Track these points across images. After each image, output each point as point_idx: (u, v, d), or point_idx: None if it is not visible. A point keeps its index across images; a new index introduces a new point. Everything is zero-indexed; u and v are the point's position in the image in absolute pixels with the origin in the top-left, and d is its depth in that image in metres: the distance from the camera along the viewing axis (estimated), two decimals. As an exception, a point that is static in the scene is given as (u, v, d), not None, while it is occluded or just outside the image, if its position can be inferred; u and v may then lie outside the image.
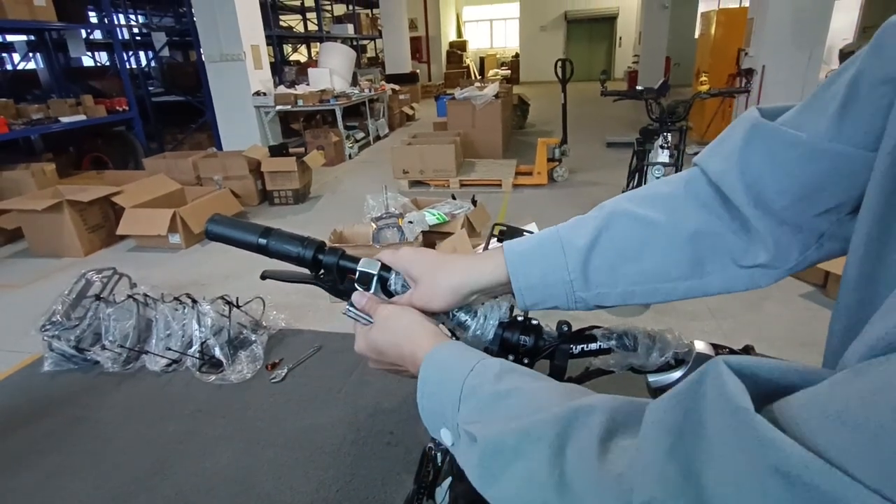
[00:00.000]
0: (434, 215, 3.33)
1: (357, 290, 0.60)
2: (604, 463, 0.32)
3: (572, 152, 5.86)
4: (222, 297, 2.56)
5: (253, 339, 2.57)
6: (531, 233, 1.80)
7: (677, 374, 0.61)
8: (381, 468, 1.87)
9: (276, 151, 5.35)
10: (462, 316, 0.60)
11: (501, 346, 0.61)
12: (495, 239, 1.66)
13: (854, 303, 0.37)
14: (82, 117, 5.50)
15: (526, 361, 0.62)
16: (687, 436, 0.27)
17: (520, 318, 0.62)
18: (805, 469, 0.21)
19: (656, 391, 0.62)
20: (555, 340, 0.62)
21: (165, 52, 8.29)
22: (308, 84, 7.49)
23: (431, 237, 3.34)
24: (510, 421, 0.39)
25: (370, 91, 8.47)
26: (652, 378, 0.62)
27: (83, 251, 4.03)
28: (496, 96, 6.38)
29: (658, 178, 2.83)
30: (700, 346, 0.61)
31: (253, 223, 0.63)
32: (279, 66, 9.62)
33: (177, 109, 8.04)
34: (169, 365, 2.47)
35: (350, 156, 7.35)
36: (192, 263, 3.80)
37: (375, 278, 0.60)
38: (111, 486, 1.86)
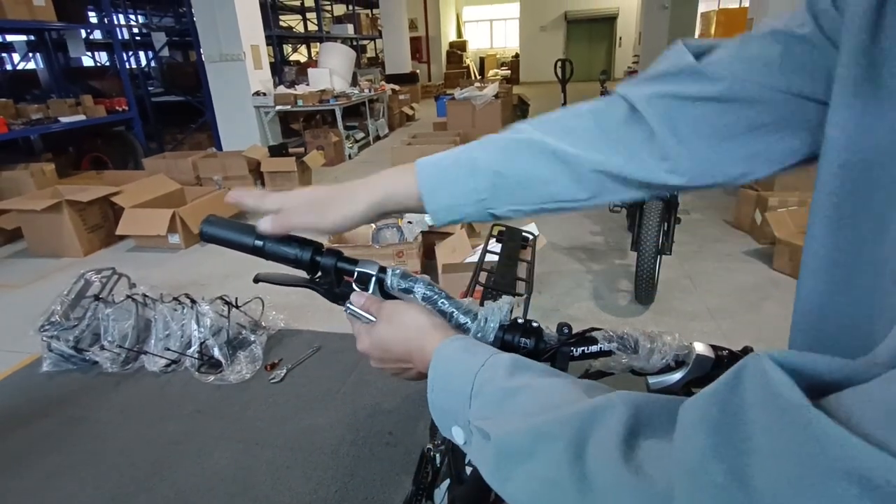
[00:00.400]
0: (434, 215, 3.32)
1: (354, 291, 0.60)
2: (630, 463, 0.31)
3: (572, 152, 5.86)
4: (221, 298, 2.56)
5: (252, 339, 2.57)
6: (531, 233, 1.77)
7: (677, 375, 0.61)
8: (379, 469, 1.86)
9: (276, 151, 5.35)
10: (462, 318, 0.59)
11: (501, 349, 0.61)
12: (494, 239, 1.66)
13: (824, 286, 0.39)
14: (82, 117, 5.50)
15: (525, 363, 0.62)
16: (730, 435, 0.26)
17: (520, 321, 0.62)
18: (891, 474, 0.19)
19: (656, 392, 0.62)
20: (555, 343, 0.62)
21: (165, 53, 8.29)
22: (308, 84, 7.49)
23: (431, 238, 3.34)
24: (524, 418, 0.38)
25: (370, 91, 8.47)
26: (652, 380, 0.61)
27: (82, 251, 4.02)
28: (496, 96, 6.39)
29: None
30: (700, 347, 0.60)
31: (248, 224, 0.63)
32: (279, 66, 9.62)
33: (177, 109, 8.04)
34: (168, 365, 2.47)
35: (350, 156, 7.35)
36: (192, 263, 3.80)
37: (374, 279, 0.60)
38: (110, 487, 1.86)
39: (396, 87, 10.28)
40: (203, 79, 6.65)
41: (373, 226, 3.31)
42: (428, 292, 0.59)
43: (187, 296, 2.57)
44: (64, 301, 2.60)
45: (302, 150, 5.95)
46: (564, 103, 5.68)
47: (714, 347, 0.61)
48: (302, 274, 0.64)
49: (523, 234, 1.61)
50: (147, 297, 2.60)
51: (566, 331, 0.62)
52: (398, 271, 0.61)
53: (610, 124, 0.52)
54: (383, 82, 9.88)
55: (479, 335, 0.59)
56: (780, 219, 3.27)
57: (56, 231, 3.96)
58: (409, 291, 0.60)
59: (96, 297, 2.60)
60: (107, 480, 1.88)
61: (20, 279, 3.67)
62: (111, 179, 4.85)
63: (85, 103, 5.64)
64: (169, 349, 2.46)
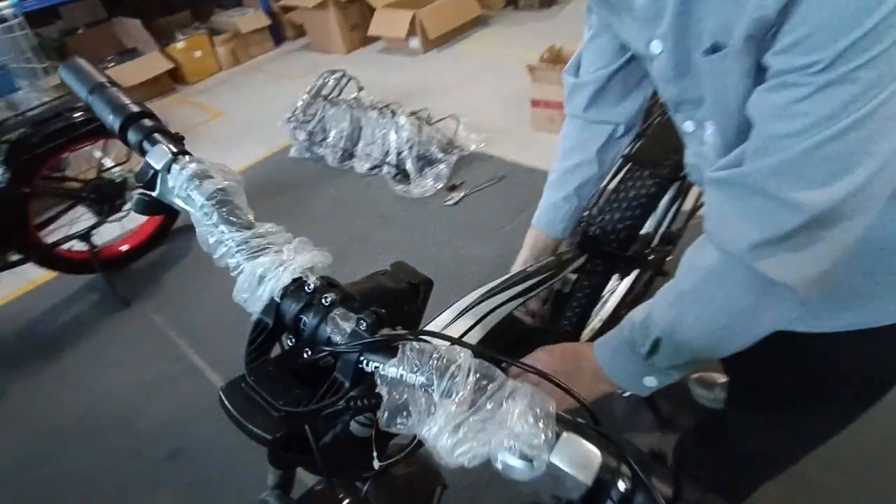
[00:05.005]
0: None
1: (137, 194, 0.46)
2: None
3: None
4: (413, 114, 2.58)
5: (440, 156, 2.60)
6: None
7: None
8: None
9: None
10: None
11: None
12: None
13: None
14: None
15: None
16: None
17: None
18: None
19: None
20: None
21: None
22: None
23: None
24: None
25: None
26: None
27: (345, 48, 4.45)
28: None
29: None
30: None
31: (99, 73, 0.51)
32: None
33: None
34: (372, 168, 2.72)
35: None
36: (426, 71, 3.86)
37: (159, 176, 0.44)
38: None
39: None
40: None
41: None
42: None
43: (387, 107, 2.67)
44: (305, 97, 2.99)
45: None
46: None
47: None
48: None
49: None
50: (358, 101, 2.79)
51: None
52: None
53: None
54: None
55: None
56: None
57: (324, 28, 4.42)
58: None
59: (325, 97, 2.91)
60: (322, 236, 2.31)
61: (298, 71, 4.33)
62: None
63: None
64: (370, 155, 2.68)
